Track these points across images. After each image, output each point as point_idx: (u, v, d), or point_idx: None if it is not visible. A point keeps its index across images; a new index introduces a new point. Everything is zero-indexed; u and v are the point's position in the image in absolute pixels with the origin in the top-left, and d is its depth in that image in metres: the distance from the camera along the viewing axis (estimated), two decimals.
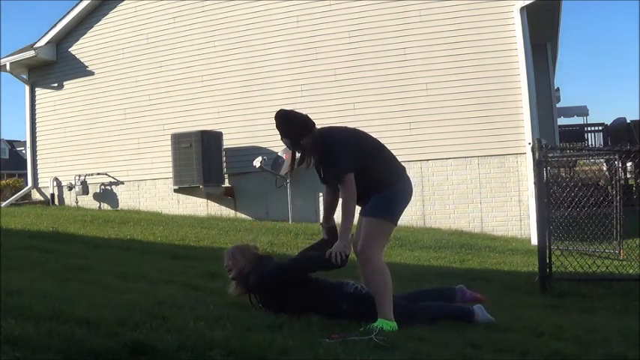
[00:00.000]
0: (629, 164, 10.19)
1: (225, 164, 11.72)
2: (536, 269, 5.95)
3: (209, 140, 11.28)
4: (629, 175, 12.26)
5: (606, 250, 7.80)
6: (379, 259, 3.73)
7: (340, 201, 3.78)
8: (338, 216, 3.89)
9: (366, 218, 3.79)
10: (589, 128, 19.42)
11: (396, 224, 3.87)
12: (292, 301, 3.71)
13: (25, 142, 14.76)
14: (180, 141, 11.30)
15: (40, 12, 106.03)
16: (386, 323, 3.51)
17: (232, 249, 4.05)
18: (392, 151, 3.98)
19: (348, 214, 3.66)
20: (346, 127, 4.01)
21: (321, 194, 11.22)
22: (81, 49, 13.33)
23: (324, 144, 3.78)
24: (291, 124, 3.81)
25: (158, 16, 12.48)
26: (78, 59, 13.33)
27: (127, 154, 12.67)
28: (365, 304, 3.65)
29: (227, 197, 11.82)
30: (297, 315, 3.57)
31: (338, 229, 3.80)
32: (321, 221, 4.07)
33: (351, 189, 3.67)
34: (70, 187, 13.20)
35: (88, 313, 2.95)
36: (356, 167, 3.70)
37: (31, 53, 13.27)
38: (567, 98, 43.95)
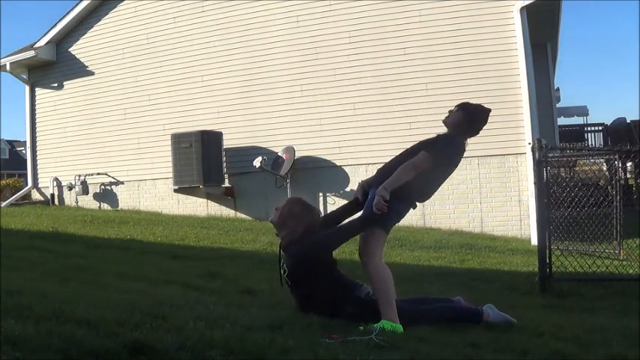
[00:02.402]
0: (629, 164, 10.19)
1: (225, 164, 11.72)
2: (536, 269, 5.95)
3: (209, 140, 11.27)
4: (629, 175, 12.27)
5: (606, 250, 7.80)
6: (377, 262, 3.74)
7: (404, 165, 3.79)
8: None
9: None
10: (589, 128, 19.42)
11: (387, 232, 3.87)
12: (320, 287, 3.69)
13: (25, 142, 14.76)
14: (180, 141, 11.29)
15: (40, 12, 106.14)
16: (388, 324, 3.51)
17: (297, 205, 3.87)
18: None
19: (400, 176, 3.70)
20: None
21: (321, 194, 11.22)
22: (81, 49, 13.34)
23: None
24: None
25: (158, 16, 12.48)
26: (78, 59, 13.34)
27: (127, 154, 12.67)
28: (370, 311, 3.63)
29: (227, 197, 11.82)
30: (320, 309, 3.60)
31: None
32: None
33: (420, 167, 3.74)
34: (70, 187, 13.20)
35: (88, 313, 2.95)
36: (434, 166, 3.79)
37: (31, 53, 13.27)
38: (567, 98, 43.94)
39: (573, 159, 10.92)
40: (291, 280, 3.75)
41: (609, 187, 9.15)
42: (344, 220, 3.95)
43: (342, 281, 3.80)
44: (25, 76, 13.91)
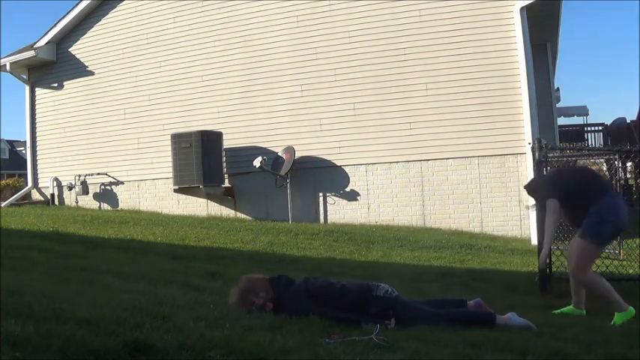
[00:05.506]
0: (629, 164, 10.19)
1: (225, 164, 11.72)
2: (536, 269, 5.95)
3: (209, 140, 11.27)
4: (629, 175, 12.26)
5: (606, 250, 7.78)
6: (589, 275, 4.17)
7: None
8: None
9: (576, 239, 4.26)
10: (589, 128, 19.43)
11: (601, 245, 4.32)
12: (341, 303, 3.70)
13: (25, 142, 14.76)
14: (180, 141, 11.29)
15: (40, 12, 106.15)
16: (622, 315, 3.85)
17: (244, 292, 3.79)
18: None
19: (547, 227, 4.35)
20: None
21: (320, 194, 11.22)
22: (81, 49, 13.34)
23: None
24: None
25: (158, 16, 12.48)
26: (78, 59, 13.34)
27: (127, 154, 12.68)
28: (392, 307, 3.65)
29: (227, 197, 11.82)
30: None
31: None
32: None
33: (550, 211, 4.33)
34: (70, 187, 13.20)
35: (88, 313, 2.94)
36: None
37: (31, 53, 13.27)
38: (567, 98, 44.00)
39: (573, 159, 10.90)
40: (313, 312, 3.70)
41: None
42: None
43: (356, 288, 3.81)
44: (25, 76, 13.92)
